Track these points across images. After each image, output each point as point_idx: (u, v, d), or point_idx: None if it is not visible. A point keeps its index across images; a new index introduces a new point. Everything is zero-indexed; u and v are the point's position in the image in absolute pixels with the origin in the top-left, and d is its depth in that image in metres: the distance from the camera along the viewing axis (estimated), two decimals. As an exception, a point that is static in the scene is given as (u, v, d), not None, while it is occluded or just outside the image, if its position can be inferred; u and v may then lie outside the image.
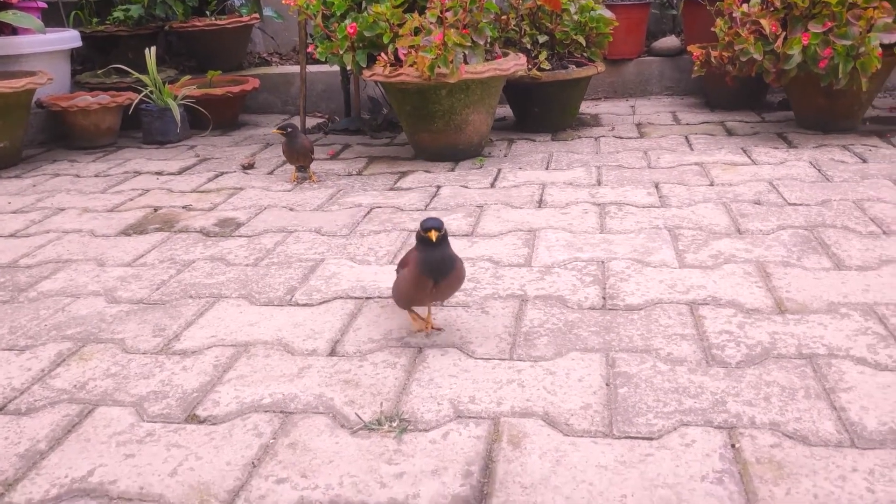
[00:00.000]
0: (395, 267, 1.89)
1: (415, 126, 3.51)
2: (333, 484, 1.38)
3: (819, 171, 3.15)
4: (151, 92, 4.18)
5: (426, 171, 3.44)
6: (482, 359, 1.78)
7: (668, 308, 1.99)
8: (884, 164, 3.17)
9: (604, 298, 2.07)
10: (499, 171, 3.40)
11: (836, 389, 1.60)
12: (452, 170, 3.45)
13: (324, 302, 2.12)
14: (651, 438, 1.47)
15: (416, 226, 2.69)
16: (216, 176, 3.54)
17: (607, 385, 1.65)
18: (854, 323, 1.87)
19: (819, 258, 2.27)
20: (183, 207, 3.08)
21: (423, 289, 1.73)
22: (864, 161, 3.25)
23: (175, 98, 4.20)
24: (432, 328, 1.90)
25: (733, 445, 1.44)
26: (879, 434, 1.45)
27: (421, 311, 1.94)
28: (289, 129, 3.22)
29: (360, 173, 3.48)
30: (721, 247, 2.39)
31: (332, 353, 1.84)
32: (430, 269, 1.70)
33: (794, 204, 2.75)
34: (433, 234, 1.67)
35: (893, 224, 2.50)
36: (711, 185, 3.04)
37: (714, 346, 1.79)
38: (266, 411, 1.60)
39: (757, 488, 1.32)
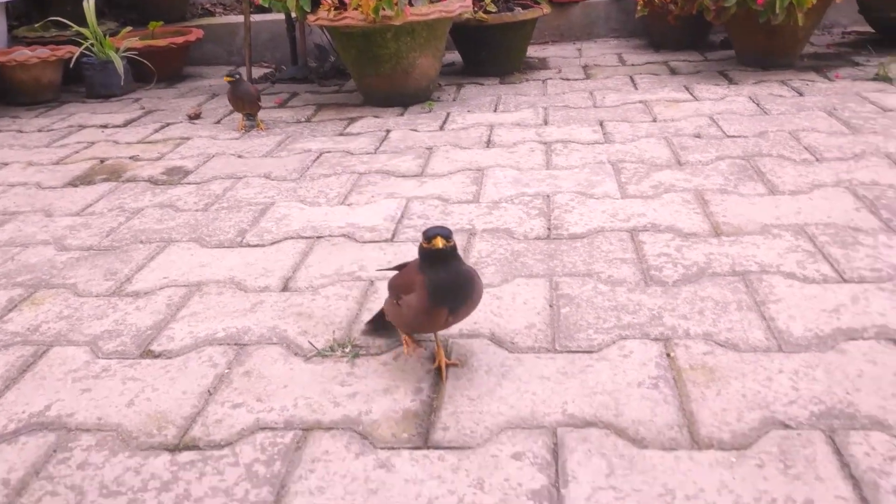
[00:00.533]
0: (388, 288, 1.49)
1: (362, 71, 3.51)
2: (288, 406, 1.42)
3: (758, 105, 3.23)
4: (92, 45, 4.09)
5: (375, 117, 3.44)
6: (431, 288, 1.83)
7: (609, 235, 2.06)
8: (819, 97, 3.27)
9: (549, 229, 2.13)
10: (448, 114, 3.42)
11: (766, 302, 1.69)
12: (401, 114, 3.46)
13: (275, 242, 2.15)
14: (591, 352, 1.54)
15: (366, 168, 2.72)
16: (162, 127, 3.50)
17: (551, 306, 1.72)
18: (785, 242, 1.96)
19: (755, 185, 2.36)
20: (130, 158, 3.05)
21: (436, 319, 1.37)
22: (801, 95, 3.34)
23: (117, 51, 4.11)
24: (447, 364, 1.49)
25: (668, 355, 1.52)
26: (805, 339, 1.54)
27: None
28: (236, 76, 3.19)
29: (308, 120, 3.47)
30: (662, 178, 2.47)
31: (285, 288, 1.87)
32: (445, 295, 1.33)
33: (733, 136, 2.83)
34: (439, 243, 1.28)
35: (826, 152, 2.60)
36: (654, 121, 3.11)
37: (653, 268, 1.87)
38: (220, 344, 1.64)
39: (690, 391, 1.40)
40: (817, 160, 2.53)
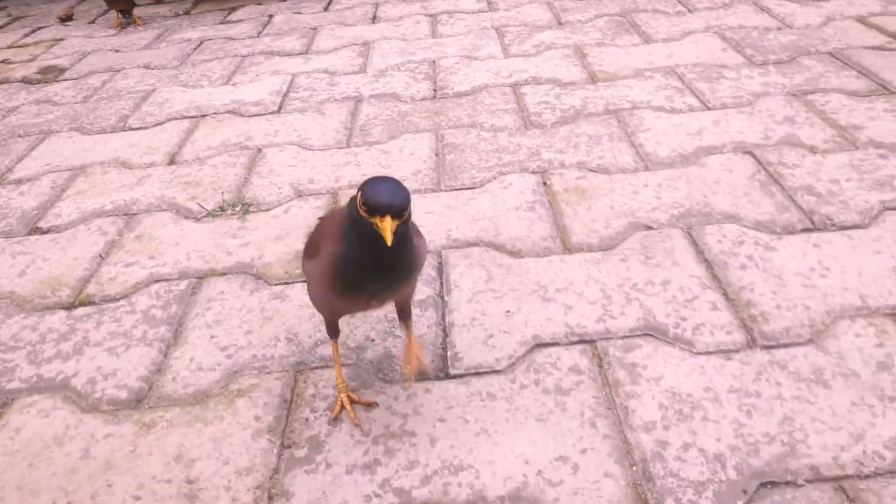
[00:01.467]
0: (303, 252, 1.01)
1: (239, -42, 3.37)
2: (181, 260, 1.45)
3: (635, -34, 3.29)
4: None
5: (258, 3, 3.35)
6: (320, 150, 1.86)
7: (493, 91, 2.12)
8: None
9: (434, 90, 2.17)
10: (332, -3, 3.36)
11: (636, 132, 1.79)
12: (284, 0, 3.38)
13: (158, 124, 2.12)
14: (473, 188, 1.61)
15: (249, 51, 2.68)
16: (33, 31, 3.33)
17: (436, 155, 1.78)
18: (656, 82, 2.06)
19: (630, 37, 2.44)
20: (0, 62, 2.90)
21: (349, 305, 0.99)
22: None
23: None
24: (418, 367, 1.07)
25: (545, 183, 1.61)
26: (669, 158, 1.65)
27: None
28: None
29: (187, 13, 3.35)
30: (543, 37, 2.52)
31: (171, 162, 1.87)
32: (359, 279, 0.89)
33: (611, -5, 2.90)
34: (388, 227, 0.81)
35: (698, 3, 2.69)
36: (537, -12, 3.14)
37: (533, 115, 1.94)
38: (109, 216, 1.64)
39: (563, 209, 1.50)
40: (689, 11, 2.62)
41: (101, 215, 1.64)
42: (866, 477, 0.91)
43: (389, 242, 0.80)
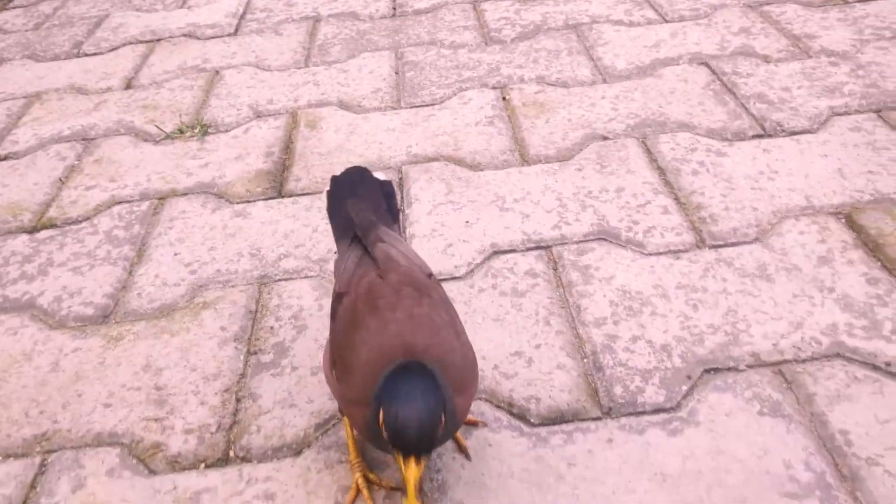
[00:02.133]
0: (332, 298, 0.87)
1: None
2: (142, 181, 1.46)
3: None
4: None
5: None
6: (279, 70, 1.84)
7: (453, 7, 2.10)
8: None
9: (394, 8, 2.14)
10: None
11: (595, 46, 1.79)
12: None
13: (113, 49, 2.08)
14: (433, 104, 1.62)
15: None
16: (-24, -42, 3.20)
17: (396, 73, 1.77)
18: (615, -4, 2.05)
19: (591, -49, 2.41)
20: (-57, -10, 2.80)
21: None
22: None
23: None
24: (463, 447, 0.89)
25: (504, 98, 1.62)
26: (626, 70, 1.66)
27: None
28: None
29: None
30: (504, -47, 2.48)
31: (128, 87, 1.85)
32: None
33: None
34: (412, 478, 0.67)
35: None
36: None
37: (493, 31, 1.93)
38: (67, 141, 1.63)
39: (521, 123, 1.52)
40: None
41: (58, 141, 1.63)
42: (803, 361, 0.96)
43: (413, 481, 0.65)
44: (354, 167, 0.94)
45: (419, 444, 0.65)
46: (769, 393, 0.92)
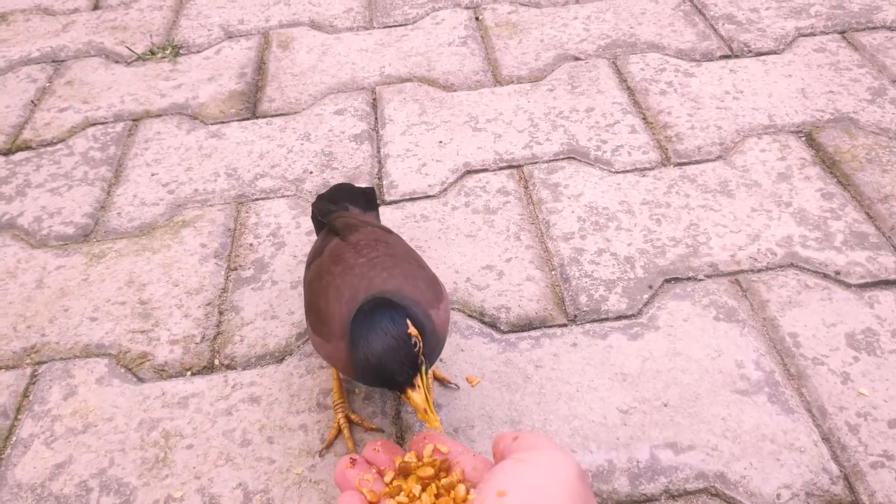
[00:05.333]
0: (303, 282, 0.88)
1: None
2: (115, 103, 1.46)
3: None
4: None
5: None
6: (249, -9, 1.82)
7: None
8: None
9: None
10: None
11: (568, -34, 1.79)
12: None
13: (79, -33, 2.03)
14: (406, 24, 1.62)
15: None
16: None
17: (368, -7, 1.76)
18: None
19: None
20: None
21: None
22: None
23: None
24: (441, 379, 0.91)
25: (477, 18, 1.62)
26: (598, -9, 1.67)
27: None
28: None
29: None
30: None
31: (96, 7, 1.81)
32: (381, 378, 0.69)
33: None
34: (420, 398, 0.66)
35: None
36: None
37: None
38: (37, 63, 1.61)
39: (494, 43, 1.53)
40: None
41: (28, 63, 1.61)
42: (758, 271, 1.02)
43: (434, 423, 0.64)
44: (337, 184, 0.98)
45: (402, 374, 0.65)
46: (725, 300, 0.98)
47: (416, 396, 0.65)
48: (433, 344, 0.71)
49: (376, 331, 0.65)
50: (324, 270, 0.79)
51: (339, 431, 0.85)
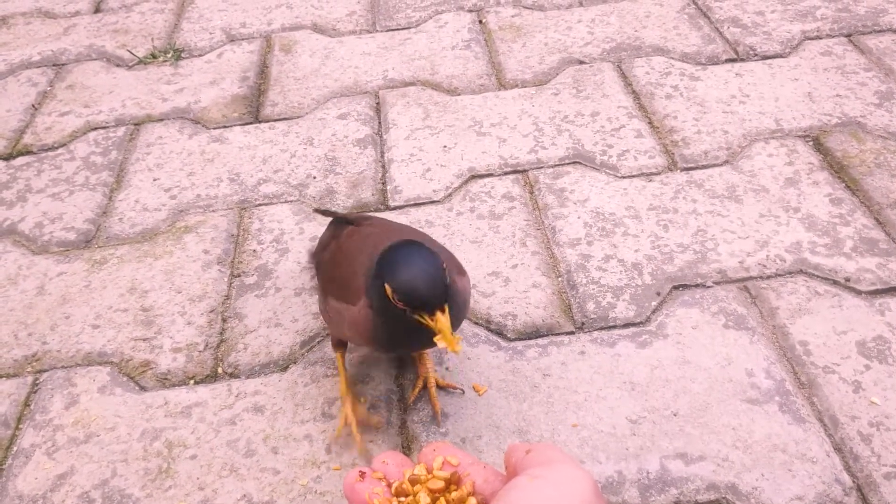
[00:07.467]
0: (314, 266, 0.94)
1: None
2: (117, 107, 1.45)
3: None
4: None
5: None
6: (251, -6, 1.81)
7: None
8: None
9: (367, -71, 2.10)
10: None
11: (571, -31, 1.78)
12: None
13: (80, -30, 2.02)
14: (409, 28, 1.61)
15: None
16: None
17: (371, -4, 1.75)
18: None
19: None
20: None
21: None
22: None
23: None
24: (444, 385, 0.90)
25: (480, 21, 1.61)
26: (602, -6, 1.66)
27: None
28: None
29: None
30: None
31: (97, 10, 1.81)
32: (404, 340, 0.75)
33: None
34: (445, 326, 0.66)
35: None
36: None
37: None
38: (38, 66, 1.60)
39: (498, 47, 1.52)
40: None
41: (29, 66, 1.60)
42: (768, 277, 1.01)
43: (454, 348, 0.65)
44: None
45: (434, 293, 0.65)
46: (734, 307, 0.97)
47: (444, 319, 0.65)
48: (459, 304, 0.70)
49: (407, 258, 0.67)
50: (342, 247, 0.81)
51: (346, 425, 0.84)
